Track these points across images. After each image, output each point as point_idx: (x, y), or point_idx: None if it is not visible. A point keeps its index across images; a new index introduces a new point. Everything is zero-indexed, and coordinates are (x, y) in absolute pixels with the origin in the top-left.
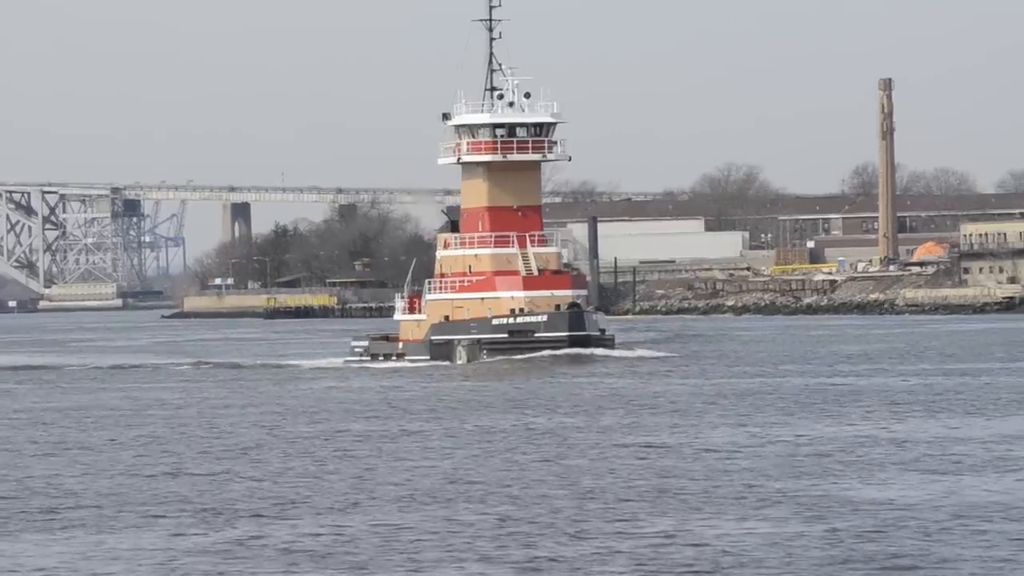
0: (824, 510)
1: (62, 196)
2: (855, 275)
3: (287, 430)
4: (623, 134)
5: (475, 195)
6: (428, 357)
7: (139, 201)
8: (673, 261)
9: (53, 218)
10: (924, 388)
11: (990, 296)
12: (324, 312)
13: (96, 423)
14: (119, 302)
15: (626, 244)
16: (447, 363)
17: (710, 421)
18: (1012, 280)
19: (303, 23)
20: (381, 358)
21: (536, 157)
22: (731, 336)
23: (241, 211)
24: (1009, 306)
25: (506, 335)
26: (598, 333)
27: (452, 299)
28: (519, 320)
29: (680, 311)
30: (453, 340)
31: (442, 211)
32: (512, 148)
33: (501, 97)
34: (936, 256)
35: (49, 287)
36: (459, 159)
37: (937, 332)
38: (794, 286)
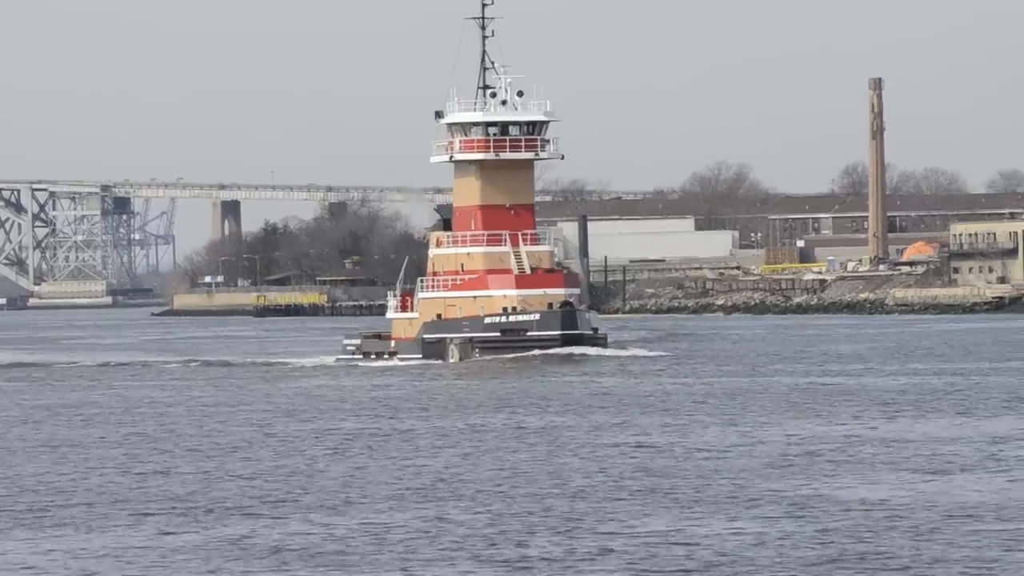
0: (814, 510)
1: (52, 193)
2: (845, 275)
3: (278, 428)
4: (613, 132)
5: (468, 193)
6: (420, 355)
7: (129, 199)
8: (663, 260)
9: (43, 215)
10: (914, 388)
11: (980, 296)
12: (314, 310)
13: (86, 421)
14: (109, 300)
15: (616, 243)
16: (439, 361)
17: (701, 420)
18: (1001, 280)
19: (294, 22)
20: (373, 356)
21: (529, 155)
22: (721, 335)
23: (231, 209)
24: (999, 306)
25: (499, 334)
26: (591, 332)
27: (444, 297)
28: (512, 319)
29: (670, 310)
30: (445, 339)
31: (434, 209)
32: (505, 146)
33: (494, 95)
34: (926, 256)
35: (39, 284)
36: (452, 157)
37: (927, 332)
38: (784, 285)
